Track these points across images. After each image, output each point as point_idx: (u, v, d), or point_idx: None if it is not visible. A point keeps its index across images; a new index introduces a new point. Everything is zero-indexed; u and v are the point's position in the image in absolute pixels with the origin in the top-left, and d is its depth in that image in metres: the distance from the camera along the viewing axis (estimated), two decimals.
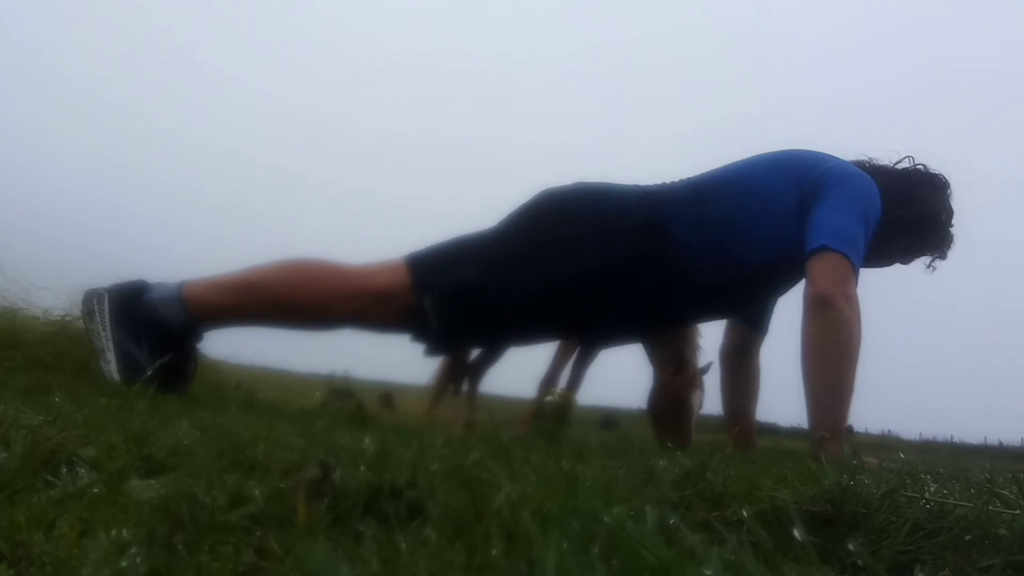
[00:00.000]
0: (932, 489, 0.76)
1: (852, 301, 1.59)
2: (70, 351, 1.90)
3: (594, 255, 1.75)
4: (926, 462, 1.10)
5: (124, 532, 0.50)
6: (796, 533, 0.54)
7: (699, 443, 2.10)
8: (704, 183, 1.85)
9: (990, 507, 0.67)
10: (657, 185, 1.89)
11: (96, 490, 0.59)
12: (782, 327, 2.00)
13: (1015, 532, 0.62)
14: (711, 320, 2.10)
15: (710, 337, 2.21)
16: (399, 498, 0.62)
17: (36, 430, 0.72)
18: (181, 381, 1.70)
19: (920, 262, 1.95)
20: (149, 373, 1.50)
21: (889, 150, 1.94)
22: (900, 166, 1.93)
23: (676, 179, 1.90)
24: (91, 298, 1.69)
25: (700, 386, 2.18)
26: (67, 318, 2.12)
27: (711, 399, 2.19)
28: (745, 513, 0.67)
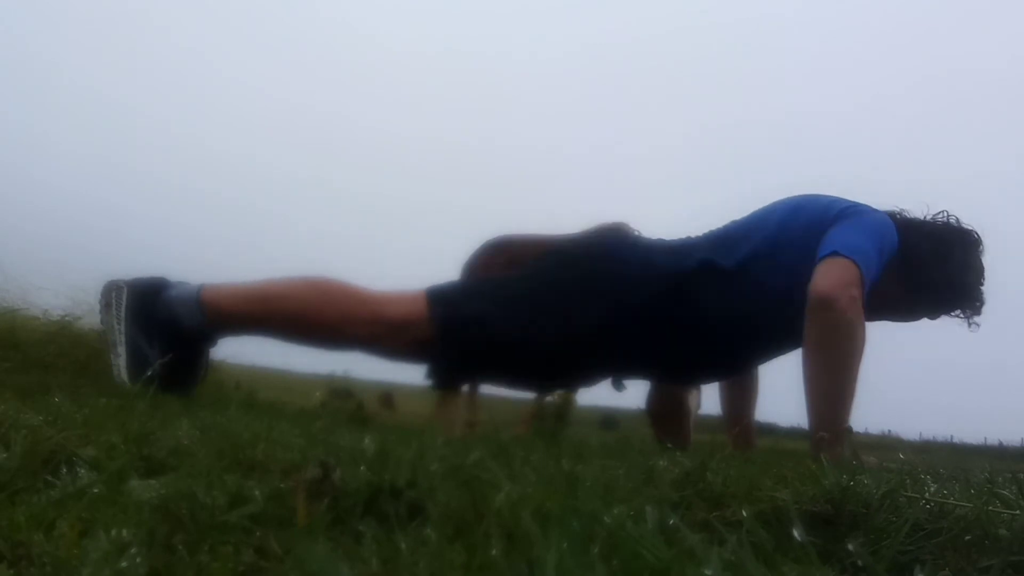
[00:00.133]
0: (932, 489, 0.76)
1: (856, 303, 1.58)
2: (70, 351, 1.90)
3: (614, 307, 1.75)
4: (926, 462, 1.10)
5: (124, 532, 0.50)
6: (796, 533, 0.54)
7: (698, 443, 2.10)
8: (727, 237, 1.84)
9: (990, 507, 0.67)
10: (682, 240, 1.89)
11: (96, 490, 0.59)
12: None
13: (1015, 532, 0.62)
14: (726, 375, 2.07)
15: None
16: (399, 498, 0.62)
17: (36, 430, 0.72)
18: (189, 383, 1.70)
19: (950, 319, 1.87)
20: (149, 373, 1.50)
21: (922, 203, 1.88)
22: (932, 219, 1.86)
23: (700, 232, 1.90)
24: (110, 290, 1.69)
25: (697, 386, 2.18)
26: (67, 318, 2.12)
27: (710, 399, 2.20)
28: (745, 513, 0.67)
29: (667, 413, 2.14)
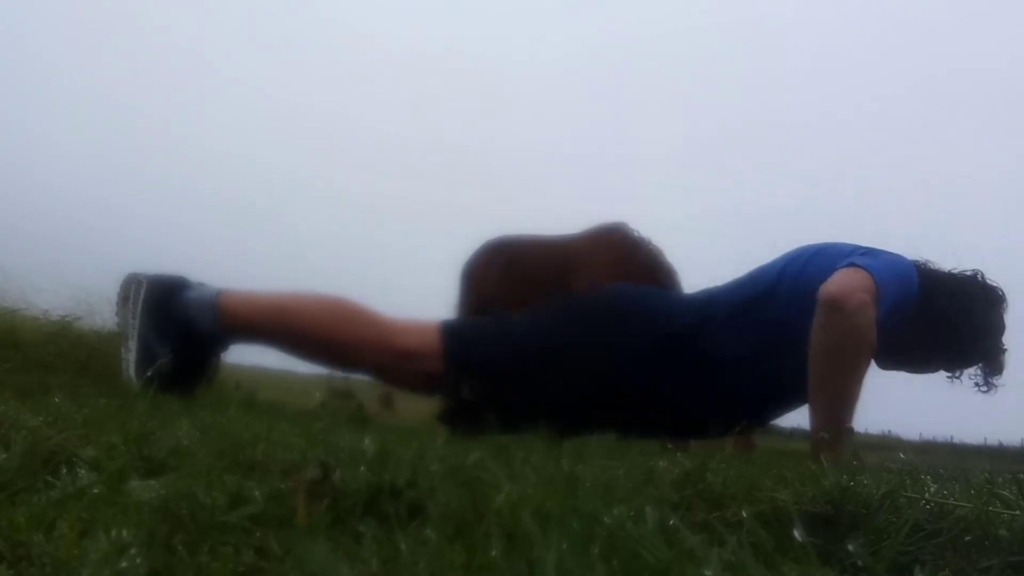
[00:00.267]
0: (932, 489, 0.76)
1: (865, 307, 1.57)
2: (70, 351, 1.90)
3: (630, 363, 1.74)
4: (926, 462, 1.10)
5: (124, 532, 0.50)
6: (796, 534, 0.54)
7: (699, 444, 2.10)
8: (745, 287, 1.83)
9: (990, 507, 0.67)
10: (701, 292, 1.88)
11: (96, 490, 0.59)
12: None
13: (1015, 532, 0.62)
14: (755, 425, 2.03)
15: None
16: (399, 498, 0.62)
17: (36, 430, 0.72)
18: (193, 385, 1.70)
19: (971, 376, 1.84)
20: (149, 373, 1.50)
21: (950, 256, 1.85)
22: (957, 273, 1.83)
23: (719, 283, 1.89)
24: (130, 283, 1.69)
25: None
26: (67, 318, 2.12)
27: None
28: (745, 514, 0.66)
29: None
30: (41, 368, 1.69)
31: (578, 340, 1.76)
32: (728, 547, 0.46)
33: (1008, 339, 1.80)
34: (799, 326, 1.64)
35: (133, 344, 1.63)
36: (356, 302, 1.77)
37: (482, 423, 1.86)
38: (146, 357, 1.61)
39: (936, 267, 1.83)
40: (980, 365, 1.81)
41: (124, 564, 0.46)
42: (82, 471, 0.65)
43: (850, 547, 0.57)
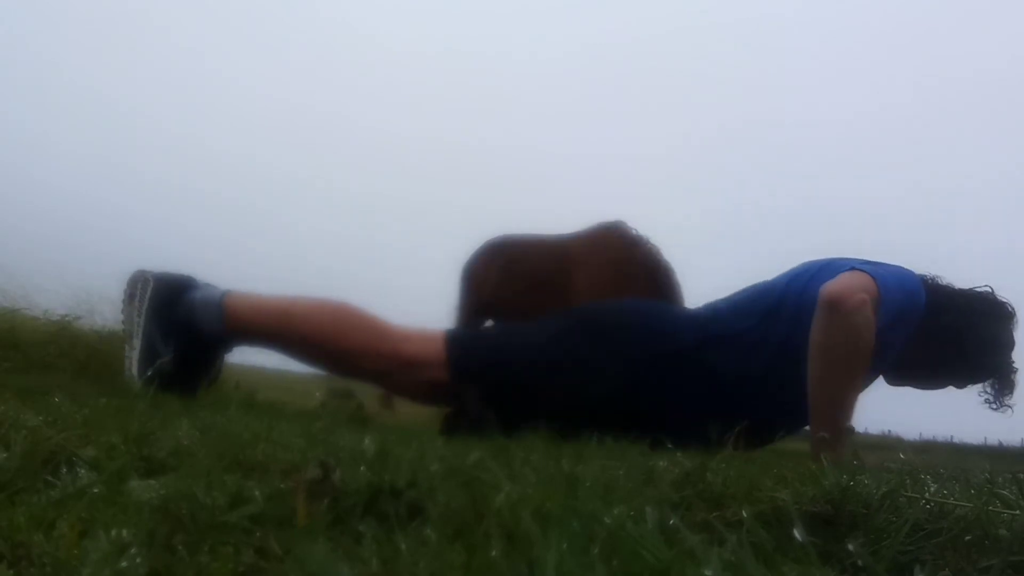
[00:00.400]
0: (932, 489, 0.76)
1: (865, 306, 1.57)
2: (70, 351, 1.90)
3: (632, 377, 1.74)
4: (926, 462, 1.10)
5: (124, 532, 0.50)
6: (796, 533, 0.54)
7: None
8: (750, 301, 1.83)
9: (990, 507, 0.67)
10: (706, 307, 1.88)
11: (96, 490, 0.59)
12: None
13: (1015, 532, 0.62)
14: (761, 444, 2.06)
15: None
16: (399, 498, 0.62)
17: (36, 430, 0.72)
18: (195, 385, 1.70)
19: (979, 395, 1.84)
20: (149, 373, 1.50)
21: (959, 275, 1.85)
22: (966, 290, 1.83)
23: (721, 293, 1.89)
24: (136, 281, 1.69)
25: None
26: (67, 318, 2.12)
27: None
28: (745, 514, 0.66)
29: None
30: (41, 368, 1.69)
31: (583, 353, 1.76)
32: (728, 547, 0.46)
33: (1018, 356, 1.79)
34: (803, 346, 1.64)
35: (137, 342, 1.63)
36: (361, 308, 1.77)
37: (484, 435, 1.85)
38: (149, 356, 1.61)
39: (944, 283, 1.82)
40: (990, 382, 1.80)
41: (124, 564, 0.46)
42: (82, 471, 0.65)
43: (850, 547, 0.57)
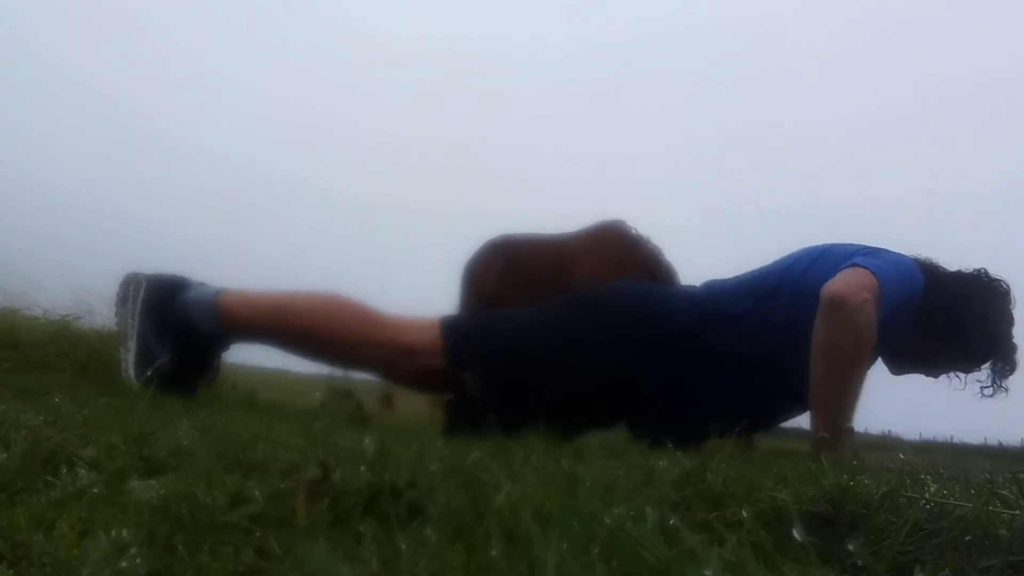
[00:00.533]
0: (932, 489, 0.76)
1: (867, 305, 1.57)
2: (70, 351, 1.90)
3: (631, 357, 1.74)
4: (926, 462, 1.10)
5: (124, 532, 0.50)
6: (796, 533, 0.54)
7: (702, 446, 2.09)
8: (749, 284, 1.82)
9: (990, 507, 0.67)
10: (703, 287, 1.87)
11: (96, 490, 0.59)
12: None
13: (1015, 532, 0.62)
14: (758, 429, 2.00)
15: None
16: (399, 498, 0.62)
17: (36, 430, 0.72)
18: (194, 385, 1.69)
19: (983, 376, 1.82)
20: (150, 372, 1.50)
21: (952, 255, 1.85)
22: (959, 270, 1.83)
23: (724, 277, 1.88)
24: (129, 283, 1.69)
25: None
26: (67, 318, 2.12)
27: None
28: (745, 513, 0.66)
29: None
30: (41, 368, 1.69)
31: (580, 335, 1.75)
32: (728, 547, 0.46)
33: (1019, 334, 1.78)
34: (802, 330, 1.64)
35: (132, 344, 1.63)
36: (355, 299, 1.76)
37: (485, 428, 1.84)
38: (145, 357, 1.61)
39: (939, 265, 1.82)
40: (992, 363, 1.79)
41: (124, 564, 0.46)
42: (82, 471, 0.65)
43: (850, 547, 0.57)
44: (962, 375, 1.84)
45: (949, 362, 1.83)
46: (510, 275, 2.10)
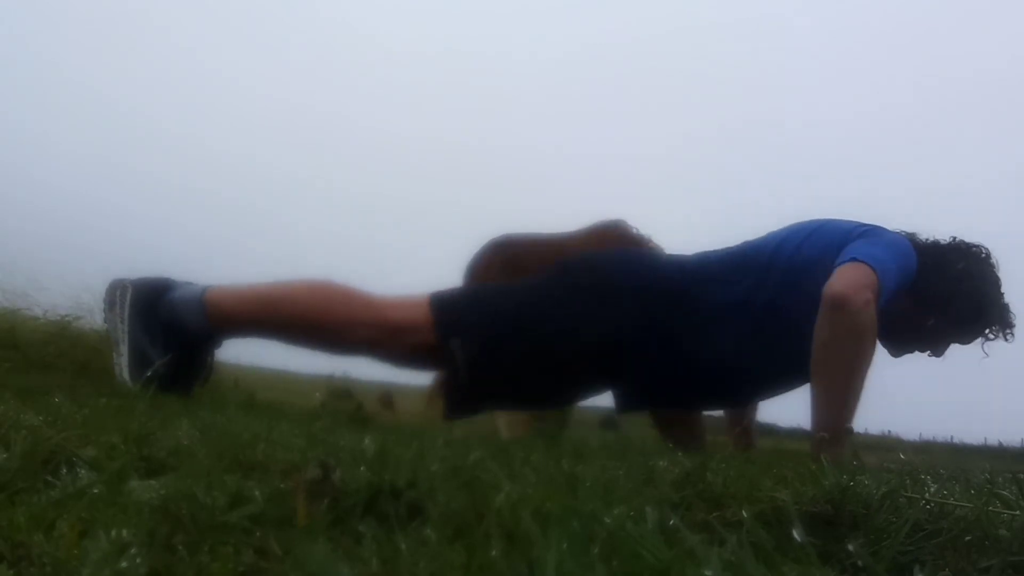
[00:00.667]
0: (932, 490, 0.76)
1: (870, 306, 1.57)
2: (70, 351, 1.90)
3: (619, 321, 1.73)
4: (926, 462, 1.10)
5: (124, 532, 0.50)
6: (796, 534, 0.54)
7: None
8: (740, 256, 1.82)
9: (990, 507, 0.67)
10: (694, 256, 1.87)
11: (96, 490, 0.59)
12: None
13: (1015, 532, 0.62)
14: (732, 402, 2.04)
15: None
16: (399, 498, 0.62)
17: (36, 430, 0.72)
18: (190, 384, 1.70)
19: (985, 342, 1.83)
20: (148, 374, 1.50)
21: (929, 227, 1.87)
22: (936, 240, 1.85)
23: (715, 248, 1.87)
24: (115, 289, 1.69)
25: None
26: (67, 318, 2.12)
27: None
28: (745, 514, 0.67)
29: (673, 416, 2.12)
30: (41, 368, 1.69)
31: (570, 300, 1.75)
32: (728, 547, 0.46)
33: (1008, 293, 1.81)
34: (793, 305, 1.66)
35: (124, 348, 1.63)
36: (341, 283, 1.75)
37: (484, 404, 1.84)
38: (140, 361, 1.61)
39: (920, 238, 1.84)
40: (990, 326, 1.80)
41: (124, 564, 0.46)
42: (82, 471, 0.65)
43: (850, 547, 0.57)
44: (960, 343, 1.84)
45: (947, 332, 1.84)
46: (511, 274, 2.11)
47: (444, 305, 1.74)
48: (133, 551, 0.47)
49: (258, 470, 0.71)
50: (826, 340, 1.58)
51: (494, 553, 0.48)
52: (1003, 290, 1.81)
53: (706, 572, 0.42)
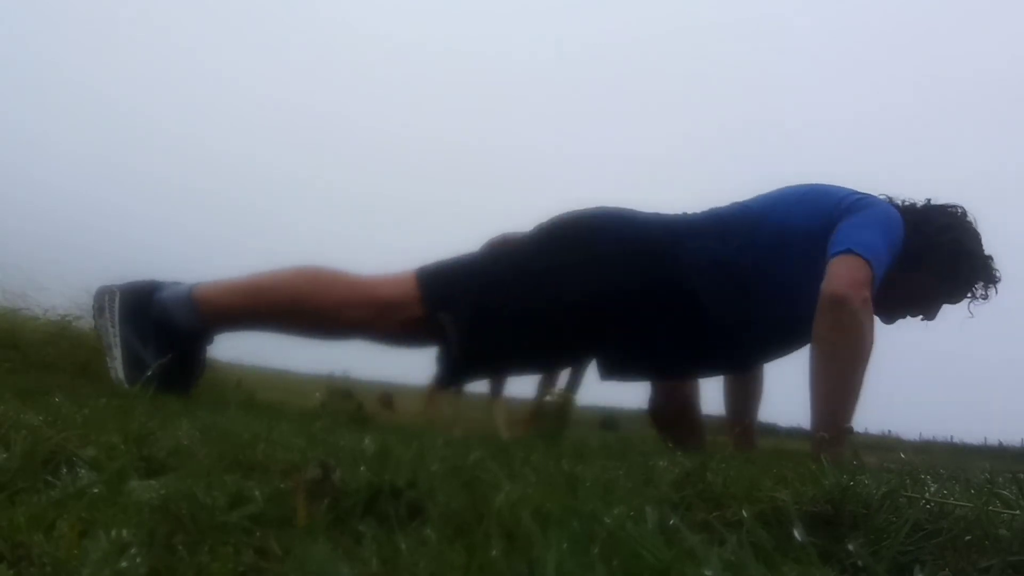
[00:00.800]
0: (932, 489, 0.76)
1: (868, 304, 1.57)
2: (70, 352, 1.90)
3: (605, 279, 1.72)
4: (926, 462, 1.10)
5: (124, 532, 0.50)
6: (796, 533, 0.54)
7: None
8: (728, 217, 1.81)
9: (990, 507, 0.67)
10: (680, 215, 1.85)
11: (96, 490, 0.59)
12: None
13: (1015, 532, 0.62)
14: (724, 369, 2.02)
15: None
16: (399, 498, 0.62)
17: (36, 430, 0.72)
18: (187, 382, 1.70)
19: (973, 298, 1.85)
20: (148, 374, 1.50)
21: (906, 191, 1.89)
22: (913, 203, 1.87)
23: (699, 210, 1.86)
24: (102, 295, 1.69)
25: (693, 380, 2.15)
26: (67, 318, 2.12)
27: (713, 400, 2.18)
28: (745, 514, 0.67)
29: (672, 416, 2.12)
30: (41, 368, 1.69)
31: (555, 260, 1.74)
32: (728, 547, 0.46)
33: (989, 246, 1.83)
34: (780, 268, 1.68)
35: (118, 352, 1.63)
36: (327, 266, 1.75)
37: (475, 372, 1.84)
38: (134, 363, 1.61)
39: (897, 201, 1.86)
40: (977, 281, 1.82)
41: (124, 564, 0.46)
42: (82, 471, 0.65)
43: (850, 547, 0.57)
44: (950, 303, 1.85)
45: (934, 289, 1.84)
46: None
47: (430, 278, 1.73)
48: (133, 551, 0.47)
49: (258, 470, 0.71)
50: (825, 339, 1.58)
51: (494, 553, 0.48)
52: (983, 243, 1.83)
53: (706, 572, 0.42)
